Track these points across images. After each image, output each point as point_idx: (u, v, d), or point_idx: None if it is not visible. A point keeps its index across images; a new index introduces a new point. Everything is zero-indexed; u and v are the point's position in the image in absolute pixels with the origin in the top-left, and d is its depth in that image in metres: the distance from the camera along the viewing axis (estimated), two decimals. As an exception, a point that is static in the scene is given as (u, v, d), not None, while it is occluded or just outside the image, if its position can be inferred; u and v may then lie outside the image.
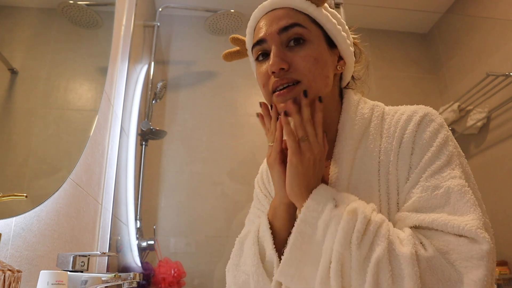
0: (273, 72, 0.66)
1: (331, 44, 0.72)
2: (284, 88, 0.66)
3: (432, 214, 0.56)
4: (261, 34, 0.70)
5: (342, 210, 0.57)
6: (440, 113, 2.33)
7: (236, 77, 2.43)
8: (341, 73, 0.77)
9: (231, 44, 0.82)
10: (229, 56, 0.83)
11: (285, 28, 0.67)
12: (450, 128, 2.34)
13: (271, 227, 0.67)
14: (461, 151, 0.67)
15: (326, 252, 0.56)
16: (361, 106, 0.74)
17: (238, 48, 0.82)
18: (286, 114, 0.65)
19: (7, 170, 0.75)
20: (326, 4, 0.72)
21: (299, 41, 0.67)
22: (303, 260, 0.59)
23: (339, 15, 0.74)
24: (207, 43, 2.43)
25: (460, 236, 0.53)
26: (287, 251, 0.60)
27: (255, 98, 2.44)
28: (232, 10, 2.11)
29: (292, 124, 0.66)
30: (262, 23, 0.70)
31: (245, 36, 0.79)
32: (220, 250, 2.02)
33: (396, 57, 2.61)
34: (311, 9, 0.69)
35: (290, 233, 0.62)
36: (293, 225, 0.61)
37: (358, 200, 0.60)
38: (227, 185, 2.18)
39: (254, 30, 0.74)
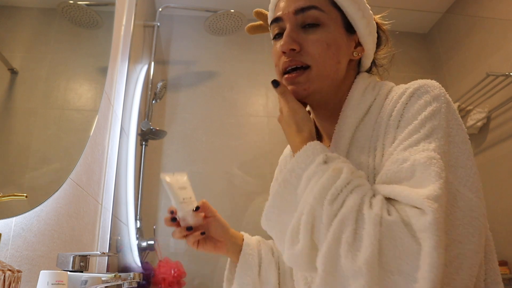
0: (284, 52, 0.67)
1: (349, 29, 0.70)
2: (293, 70, 0.67)
3: (397, 186, 0.54)
4: (279, 12, 0.69)
5: (329, 166, 0.56)
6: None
7: (236, 77, 2.44)
8: (360, 59, 0.76)
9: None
10: (252, 30, 0.82)
11: (302, 10, 0.67)
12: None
13: None
14: (457, 122, 0.61)
15: (302, 204, 0.56)
16: (370, 86, 0.71)
17: (261, 22, 0.80)
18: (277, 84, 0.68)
19: (7, 170, 0.75)
20: None
21: (314, 24, 0.67)
22: (283, 208, 0.60)
23: None
24: (207, 43, 2.43)
25: (416, 207, 0.51)
26: (270, 197, 0.61)
27: (255, 98, 2.44)
28: (232, 10, 2.11)
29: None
30: (282, 1, 0.70)
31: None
32: (220, 250, 2.02)
33: (396, 57, 2.61)
34: None
35: None
36: None
37: (349, 163, 0.59)
38: (227, 185, 2.18)
39: (276, 6, 0.73)
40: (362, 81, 0.71)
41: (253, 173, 2.22)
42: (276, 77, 0.72)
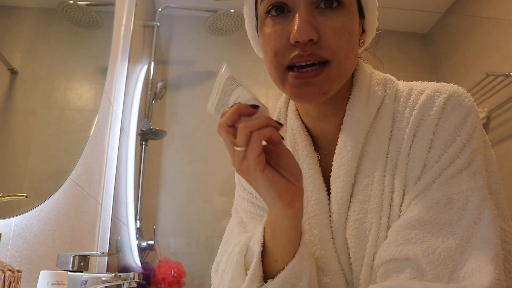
0: (297, 42, 0.51)
1: (361, 13, 0.58)
2: (308, 67, 0.52)
3: (441, 243, 0.46)
4: None
5: None
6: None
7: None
8: None
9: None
10: None
11: None
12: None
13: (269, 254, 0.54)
14: (486, 138, 0.57)
15: None
16: (374, 81, 0.61)
17: None
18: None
19: (7, 170, 0.75)
20: None
21: (332, 3, 0.52)
22: None
23: None
24: (207, 43, 2.43)
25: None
26: None
27: (255, 98, 2.44)
28: (232, 10, 2.11)
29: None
30: None
31: None
32: (220, 250, 2.02)
33: (396, 57, 2.61)
34: None
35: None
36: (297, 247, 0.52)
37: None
38: (227, 185, 2.18)
39: None
40: (364, 75, 0.61)
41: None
42: (268, 68, 0.57)
